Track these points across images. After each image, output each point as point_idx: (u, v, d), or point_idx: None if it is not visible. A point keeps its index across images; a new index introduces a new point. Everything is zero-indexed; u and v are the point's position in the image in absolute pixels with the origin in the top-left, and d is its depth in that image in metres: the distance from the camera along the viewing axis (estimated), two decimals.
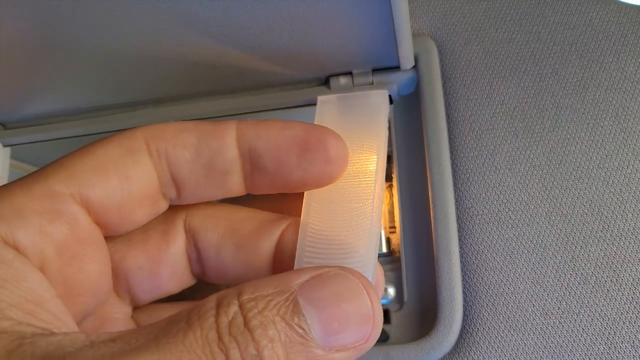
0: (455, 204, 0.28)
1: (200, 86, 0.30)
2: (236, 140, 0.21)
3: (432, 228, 0.28)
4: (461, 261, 0.27)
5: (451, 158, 0.28)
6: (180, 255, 0.23)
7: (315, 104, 0.27)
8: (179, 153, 0.21)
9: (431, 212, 0.28)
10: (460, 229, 0.28)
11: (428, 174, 0.28)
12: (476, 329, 0.26)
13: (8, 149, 0.35)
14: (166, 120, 0.22)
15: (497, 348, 0.26)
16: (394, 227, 0.30)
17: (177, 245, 0.23)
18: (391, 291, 0.29)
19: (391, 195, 0.30)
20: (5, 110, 0.33)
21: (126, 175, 0.20)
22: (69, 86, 0.30)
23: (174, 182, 0.22)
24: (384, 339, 0.28)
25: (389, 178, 0.30)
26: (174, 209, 0.23)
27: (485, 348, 0.26)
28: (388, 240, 0.29)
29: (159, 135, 0.21)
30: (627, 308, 0.25)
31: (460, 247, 0.27)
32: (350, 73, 0.28)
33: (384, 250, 0.29)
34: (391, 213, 0.30)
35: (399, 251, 0.29)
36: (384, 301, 0.28)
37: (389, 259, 0.29)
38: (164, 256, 0.23)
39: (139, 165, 0.21)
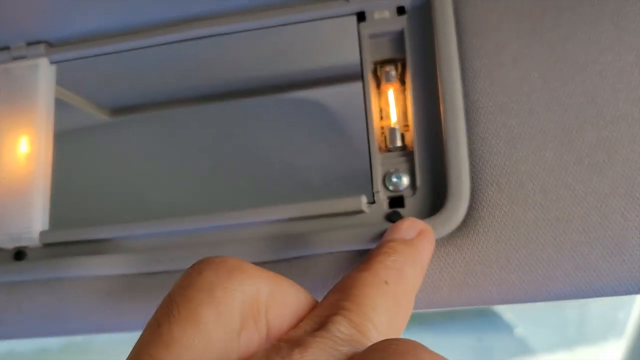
0: (464, 98, 0.31)
1: None
2: None
3: (442, 120, 0.30)
4: (468, 148, 0.30)
5: (459, 58, 0.31)
6: None
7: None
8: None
9: (441, 106, 0.31)
10: (467, 120, 0.30)
11: (438, 74, 0.31)
12: (482, 206, 0.29)
13: (54, 67, 0.38)
14: None
15: (501, 222, 0.29)
16: (407, 126, 0.33)
17: None
18: (405, 180, 0.32)
19: (404, 98, 0.33)
20: (51, 27, 0.36)
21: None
22: (116, 0, 0.33)
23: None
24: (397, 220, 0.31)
25: (402, 82, 0.33)
26: None
27: (490, 222, 0.29)
28: (402, 137, 0.32)
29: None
30: (618, 184, 0.28)
31: (468, 136, 0.30)
32: None
33: (398, 144, 0.32)
34: (404, 113, 0.33)
35: (412, 147, 0.32)
36: (400, 188, 0.32)
37: (403, 152, 0.32)
38: None
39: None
